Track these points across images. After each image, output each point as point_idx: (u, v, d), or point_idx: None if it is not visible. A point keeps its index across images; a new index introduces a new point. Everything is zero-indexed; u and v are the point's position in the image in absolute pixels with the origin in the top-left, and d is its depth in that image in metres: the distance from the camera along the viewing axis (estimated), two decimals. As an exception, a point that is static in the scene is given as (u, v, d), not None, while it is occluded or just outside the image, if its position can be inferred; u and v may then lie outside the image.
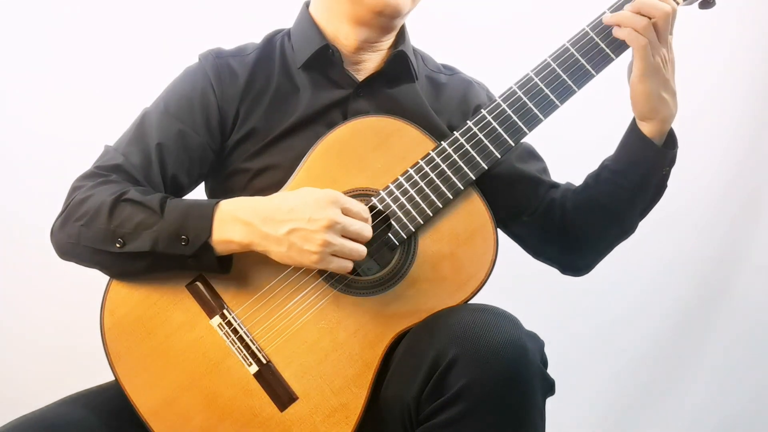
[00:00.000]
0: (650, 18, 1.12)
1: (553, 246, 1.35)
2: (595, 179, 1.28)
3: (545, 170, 1.38)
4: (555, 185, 1.35)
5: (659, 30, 1.13)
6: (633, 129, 1.21)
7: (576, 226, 1.29)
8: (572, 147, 1.85)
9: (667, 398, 2.26)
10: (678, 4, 1.17)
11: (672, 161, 1.22)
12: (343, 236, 1.10)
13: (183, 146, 1.25)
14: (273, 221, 1.10)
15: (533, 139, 1.27)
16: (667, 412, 2.25)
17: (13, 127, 2.05)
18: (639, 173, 1.22)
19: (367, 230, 1.11)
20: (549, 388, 1.06)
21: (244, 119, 1.28)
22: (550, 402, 1.07)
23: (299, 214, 1.09)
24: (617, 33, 1.15)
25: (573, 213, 1.29)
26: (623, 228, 1.29)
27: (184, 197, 1.26)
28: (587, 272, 1.37)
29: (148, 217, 1.13)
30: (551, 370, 1.07)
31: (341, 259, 1.11)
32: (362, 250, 1.11)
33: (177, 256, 1.13)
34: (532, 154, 1.38)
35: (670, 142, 1.22)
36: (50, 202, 1.32)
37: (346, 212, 1.11)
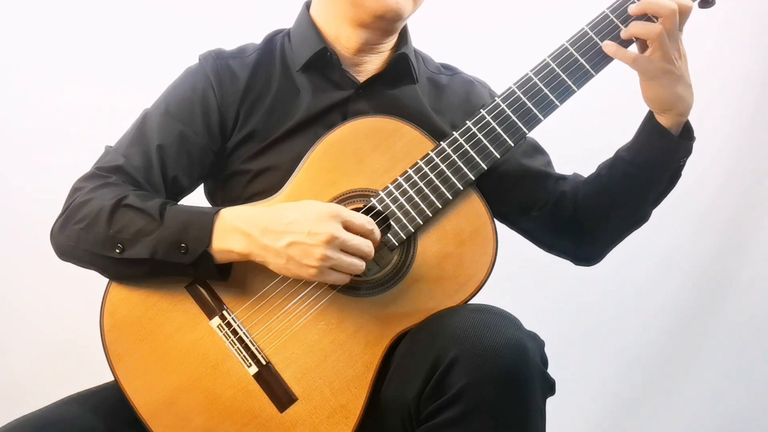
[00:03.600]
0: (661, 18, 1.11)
1: (566, 238, 1.34)
2: (608, 170, 1.27)
3: (550, 163, 1.38)
4: (563, 177, 1.35)
5: (669, 32, 1.11)
6: (650, 120, 1.20)
7: (589, 217, 1.29)
8: (572, 146, 1.85)
9: (666, 398, 2.26)
10: None
11: (688, 152, 1.21)
12: (343, 251, 1.10)
13: (183, 148, 1.25)
14: (273, 233, 1.10)
15: (533, 136, 1.27)
16: (667, 412, 2.25)
17: (14, 127, 2.05)
18: (655, 164, 1.21)
19: (366, 246, 1.11)
20: (549, 388, 1.06)
21: (245, 121, 1.28)
22: (550, 402, 1.07)
23: (299, 227, 1.09)
24: (609, 51, 1.14)
25: (586, 204, 1.29)
26: (637, 217, 1.29)
27: (184, 202, 1.26)
28: (600, 260, 1.37)
29: (147, 224, 1.13)
30: (551, 370, 1.07)
31: (339, 273, 1.11)
32: (360, 265, 1.11)
33: (176, 264, 1.13)
34: (537, 149, 1.38)
35: (686, 133, 1.21)
36: (51, 203, 1.32)
37: (347, 226, 1.10)
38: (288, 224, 1.10)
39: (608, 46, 1.14)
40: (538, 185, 1.33)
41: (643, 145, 1.21)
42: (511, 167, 1.33)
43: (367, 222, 1.12)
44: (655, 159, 1.21)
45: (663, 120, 1.19)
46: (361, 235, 1.11)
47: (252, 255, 1.11)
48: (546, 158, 1.38)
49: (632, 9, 1.13)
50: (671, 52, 1.12)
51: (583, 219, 1.30)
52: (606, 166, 1.28)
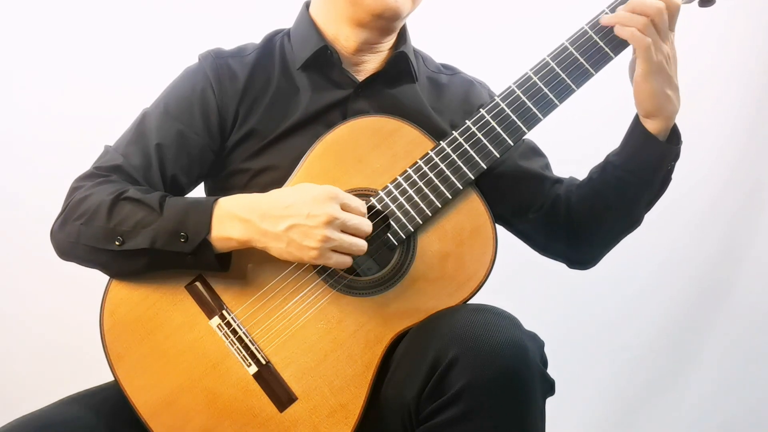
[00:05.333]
0: (647, 16, 1.12)
1: (560, 241, 1.34)
2: (599, 174, 1.27)
3: (548, 166, 1.38)
4: (559, 180, 1.35)
5: (659, 27, 1.13)
6: (637, 125, 1.21)
7: (582, 221, 1.29)
8: (572, 145, 1.85)
9: (666, 397, 2.26)
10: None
11: (677, 156, 1.22)
12: (343, 231, 1.10)
13: (182, 147, 1.25)
14: (272, 217, 1.10)
15: (532, 136, 1.27)
16: (667, 412, 2.25)
17: (13, 127, 2.06)
18: (644, 169, 1.21)
19: (366, 225, 1.11)
20: (549, 388, 1.06)
21: (244, 120, 1.28)
22: (549, 402, 1.07)
23: (298, 209, 1.09)
24: (619, 32, 1.14)
25: (578, 208, 1.29)
26: (629, 221, 1.29)
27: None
28: (594, 264, 1.37)
29: (147, 215, 1.14)
30: (551, 370, 1.07)
31: (340, 254, 1.11)
32: (362, 244, 1.11)
33: (176, 254, 1.13)
34: (534, 151, 1.38)
35: (674, 137, 1.22)
36: (50, 203, 1.32)
37: (344, 208, 1.11)
38: (286, 207, 1.10)
39: (622, 31, 1.13)
40: (535, 188, 1.33)
41: (632, 151, 1.22)
42: (509, 169, 1.33)
43: (362, 205, 1.13)
44: (645, 164, 1.21)
45: (650, 125, 1.19)
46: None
47: (252, 241, 1.12)
48: (544, 161, 1.38)
49: (623, 8, 1.14)
50: (663, 49, 1.13)
51: (577, 223, 1.30)
52: (597, 171, 1.28)
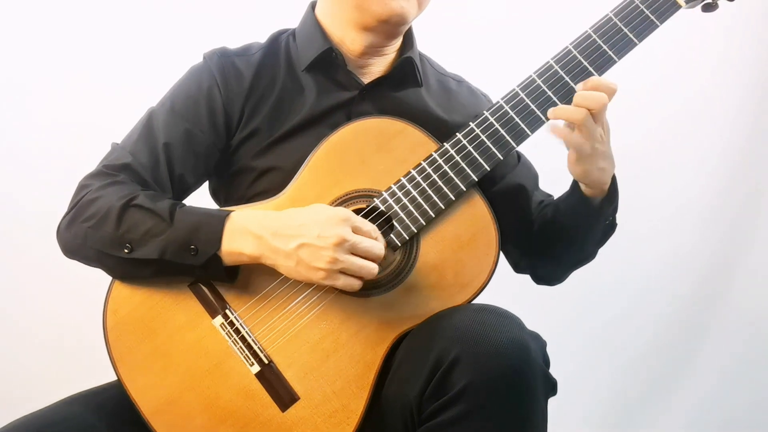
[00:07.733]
0: (590, 109, 1.12)
1: (528, 257, 1.39)
2: (552, 213, 1.31)
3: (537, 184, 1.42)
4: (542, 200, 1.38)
5: (597, 116, 1.13)
6: (575, 188, 1.24)
7: (544, 244, 1.33)
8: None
9: (668, 397, 2.26)
10: (680, 7, 1.17)
11: (614, 210, 1.25)
12: (353, 254, 1.10)
13: (189, 146, 1.26)
14: (284, 236, 1.11)
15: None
16: (668, 412, 2.25)
17: (20, 125, 2.06)
18: (584, 224, 1.26)
19: (378, 248, 1.11)
20: (551, 388, 1.06)
21: (249, 119, 1.28)
22: (551, 402, 1.07)
23: (309, 230, 1.10)
24: (555, 132, 1.15)
25: (540, 233, 1.33)
26: (583, 255, 1.33)
27: (194, 204, 1.26)
28: (559, 283, 1.40)
29: (156, 225, 1.14)
30: (553, 370, 1.07)
31: (349, 276, 1.10)
32: (372, 267, 1.10)
33: (185, 265, 1.13)
34: (529, 169, 1.42)
35: (610, 195, 1.23)
36: (55, 201, 1.32)
37: (356, 231, 1.10)
38: (298, 227, 1.10)
39: (559, 131, 1.15)
40: (526, 205, 1.37)
41: (572, 207, 1.26)
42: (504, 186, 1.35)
43: (373, 230, 1.12)
44: (582, 220, 1.25)
45: (586, 189, 1.22)
46: None
47: (263, 257, 1.12)
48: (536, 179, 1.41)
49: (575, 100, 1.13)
50: (597, 133, 1.14)
51: (541, 245, 1.34)
52: (551, 209, 1.32)
